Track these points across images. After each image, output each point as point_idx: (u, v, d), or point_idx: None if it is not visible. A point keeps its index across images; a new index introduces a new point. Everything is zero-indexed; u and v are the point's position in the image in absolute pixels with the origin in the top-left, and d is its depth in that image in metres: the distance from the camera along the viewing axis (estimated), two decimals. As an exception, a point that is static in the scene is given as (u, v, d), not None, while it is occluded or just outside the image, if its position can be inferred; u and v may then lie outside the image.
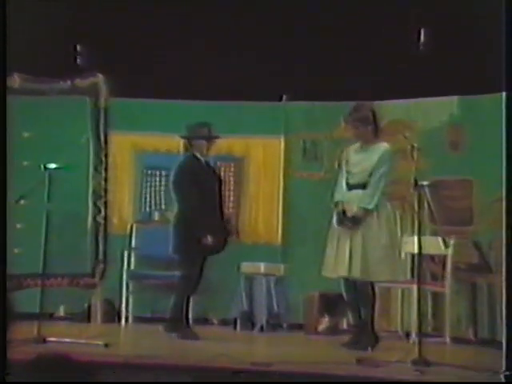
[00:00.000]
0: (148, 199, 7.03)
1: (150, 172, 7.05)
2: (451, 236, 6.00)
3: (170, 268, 6.08)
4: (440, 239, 5.92)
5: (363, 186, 5.36)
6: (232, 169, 6.99)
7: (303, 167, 6.88)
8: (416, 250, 5.07)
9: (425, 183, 5.18)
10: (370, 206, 5.30)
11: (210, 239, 5.61)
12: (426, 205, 5.95)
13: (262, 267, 6.51)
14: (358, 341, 5.31)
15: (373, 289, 5.37)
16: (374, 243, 5.27)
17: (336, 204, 5.45)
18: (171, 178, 5.95)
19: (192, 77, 6.54)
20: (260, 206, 6.93)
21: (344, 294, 5.47)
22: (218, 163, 6.95)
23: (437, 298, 6.10)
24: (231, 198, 6.96)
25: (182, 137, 5.93)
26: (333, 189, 5.55)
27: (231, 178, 6.98)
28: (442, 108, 6.33)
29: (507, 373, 4.25)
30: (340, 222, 5.38)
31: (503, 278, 4.45)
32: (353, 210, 5.33)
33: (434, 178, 5.71)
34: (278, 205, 6.89)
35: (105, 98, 6.78)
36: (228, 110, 6.82)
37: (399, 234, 5.47)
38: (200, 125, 5.85)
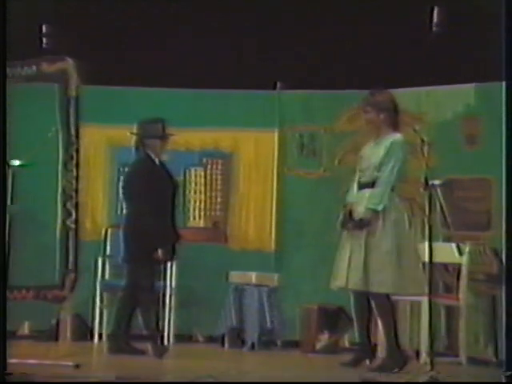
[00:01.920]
0: (123, 200, 6.94)
1: (126, 169, 6.97)
2: (467, 242, 5.94)
3: (126, 277, 6.01)
4: (454, 246, 5.86)
5: (372, 185, 5.29)
6: (219, 166, 6.94)
7: (300, 164, 6.82)
8: (427, 258, 4.99)
9: (437, 182, 5.11)
10: (379, 207, 5.20)
11: (161, 254, 5.62)
12: (438, 207, 5.90)
13: (253, 277, 6.45)
14: (366, 359, 5.24)
15: (392, 303, 5.28)
16: (377, 250, 5.17)
17: (345, 205, 5.38)
18: (122, 179, 6.02)
19: (174, 61, 6.50)
20: (251, 208, 6.86)
21: (352, 308, 5.38)
22: (204, 159, 6.92)
23: (451, 312, 6.05)
24: (218, 199, 6.91)
25: (132, 133, 5.90)
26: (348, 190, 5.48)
27: (219, 177, 6.94)
28: (456, 97, 6.29)
29: (507, 373, 4.27)
30: (343, 225, 5.30)
31: (503, 277, 4.39)
32: (360, 211, 5.25)
33: (448, 176, 5.68)
34: (272, 206, 6.83)
35: (75, 85, 6.73)
36: (215, 98, 6.78)
37: (413, 240, 5.31)
38: (152, 121, 5.84)
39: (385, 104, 5.31)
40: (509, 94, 4.72)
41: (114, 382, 4.55)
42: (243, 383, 4.62)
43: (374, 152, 5.34)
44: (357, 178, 5.41)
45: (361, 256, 5.18)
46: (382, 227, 5.18)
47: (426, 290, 5.23)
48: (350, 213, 5.30)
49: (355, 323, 5.42)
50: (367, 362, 5.27)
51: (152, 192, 5.66)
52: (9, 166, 5.23)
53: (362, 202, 5.28)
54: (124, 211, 5.91)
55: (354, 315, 5.39)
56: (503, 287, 4.61)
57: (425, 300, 5.29)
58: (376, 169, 5.28)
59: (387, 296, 5.24)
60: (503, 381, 4.29)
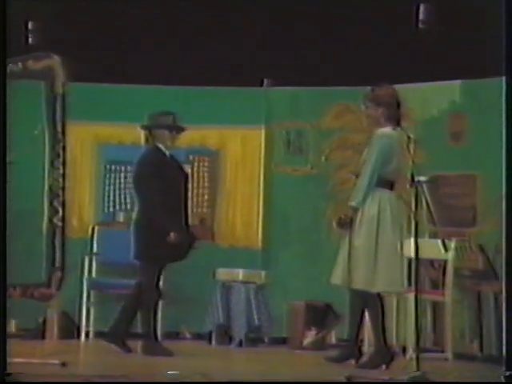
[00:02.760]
0: (111, 198, 6.96)
1: (113, 167, 6.99)
2: (452, 238, 5.98)
3: (137, 276, 6.01)
4: (440, 242, 5.89)
5: None
6: (206, 163, 6.95)
7: (287, 161, 6.85)
8: (413, 255, 5.02)
9: (422, 179, 5.12)
10: (353, 203, 5.19)
11: (173, 236, 5.52)
12: (424, 203, 5.93)
13: (240, 274, 6.47)
14: (351, 357, 5.26)
15: (381, 300, 5.29)
16: (355, 246, 5.19)
17: None
18: (132, 173, 5.89)
19: (161, 59, 6.49)
20: (238, 205, 6.88)
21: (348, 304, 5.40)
22: (191, 157, 6.92)
23: (437, 308, 6.09)
24: (205, 197, 6.92)
25: (143, 127, 5.84)
26: None
27: (205, 174, 6.95)
28: (442, 94, 6.33)
29: (507, 373, 4.30)
30: (336, 224, 5.33)
31: (503, 276, 4.41)
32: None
33: (433, 172, 5.69)
34: (259, 204, 6.85)
35: (62, 82, 6.69)
36: (202, 96, 6.79)
37: (393, 237, 5.26)
38: (163, 114, 5.78)
39: (384, 98, 5.27)
40: (509, 91, 4.73)
41: (114, 382, 4.55)
42: (244, 383, 4.61)
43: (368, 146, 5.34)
44: None
45: (345, 253, 5.21)
46: (360, 224, 5.18)
47: (405, 287, 5.28)
48: None
49: (348, 320, 5.44)
50: (352, 360, 5.28)
51: (164, 185, 5.57)
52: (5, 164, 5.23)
53: None
54: (136, 207, 5.77)
55: (348, 311, 5.40)
56: (503, 285, 4.63)
57: (411, 296, 5.32)
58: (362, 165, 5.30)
59: (375, 293, 5.25)
60: (503, 381, 4.31)
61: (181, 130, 5.81)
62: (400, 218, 5.28)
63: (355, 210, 5.18)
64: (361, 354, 5.34)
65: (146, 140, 5.81)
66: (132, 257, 5.73)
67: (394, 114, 5.29)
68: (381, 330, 5.26)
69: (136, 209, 5.79)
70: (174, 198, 5.65)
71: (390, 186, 5.28)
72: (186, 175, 5.97)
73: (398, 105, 5.31)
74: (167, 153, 5.76)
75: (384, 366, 5.17)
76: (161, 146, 5.74)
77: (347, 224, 5.18)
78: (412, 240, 5.14)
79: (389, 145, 5.24)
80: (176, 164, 5.83)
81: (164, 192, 5.58)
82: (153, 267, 5.65)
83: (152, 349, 5.57)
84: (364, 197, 5.17)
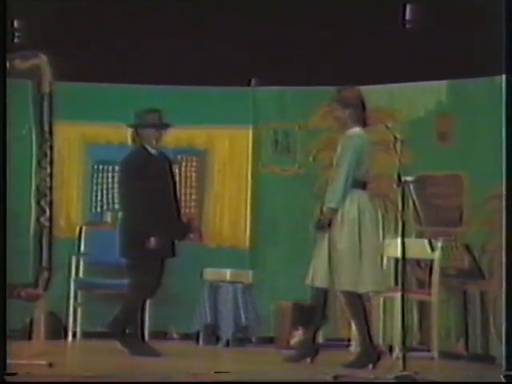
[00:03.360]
0: (99, 198, 6.96)
1: (101, 167, 6.99)
2: (439, 238, 6.02)
3: (124, 276, 6.02)
4: (426, 242, 5.93)
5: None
6: (194, 163, 6.96)
7: (274, 161, 6.87)
8: (399, 254, 5.06)
9: (409, 179, 5.17)
10: (332, 205, 5.21)
11: (153, 242, 5.54)
12: (410, 203, 5.97)
13: (227, 274, 6.49)
14: (308, 356, 5.30)
15: (361, 299, 5.32)
16: (335, 248, 5.21)
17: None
18: (117, 173, 5.93)
19: (148, 59, 6.50)
20: (226, 205, 6.90)
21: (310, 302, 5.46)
22: (179, 157, 6.93)
23: (423, 307, 6.13)
24: (193, 196, 6.93)
25: (129, 126, 5.84)
26: None
27: (193, 174, 6.96)
28: (428, 94, 6.35)
29: (507, 373, 4.35)
30: (314, 225, 5.36)
31: (503, 276, 4.46)
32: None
33: (420, 173, 5.75)
34: (246, 203, 6.86)
35: (49, 81, 6.68)
36: (189, 95, 6.80)
37: (374, 238, 5.30)
38: (148, 111, 5.78)
39: (351, 100, 5.32)
40: (509, 91, 4.76)
41: (113, 382, 4.55)
42: (243, 383, 4.63)
43: (339, 148, 5.37)
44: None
45: (325, 255, 5.24)
46: (340, 225, 5.21)
47: (390, 286, 5.31)
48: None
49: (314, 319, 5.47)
50: (308, 360, 5.32)
51: (146, 183, 5.58)
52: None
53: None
54: (119, 206, 5.84)
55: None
56: (503, 286, 4.67)
57: (398, 295, 5.35)
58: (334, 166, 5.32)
59: (357, 293, 5.28)
60: (503, 381, 4.35)
61: (166, 127, 5.81)
62: (377, 218, 5.36)
63: (334, 211, 5.20)
64: (317, 352, 5.35)
65: (133, 139, 5.81)
66: (118, 255, 5.73)
67: (361, 115, 5.33)
68: (366, 329, 5.29)
69: (119, 208, 5.85)
70: (160, 199, 5.65)
71: (363, 186, 5.33)
72: (173, 176, 5.98)
73: (364, 106, 5.35)
74: (153, 152, 5.76)
75: (371, 366, 5.20)
76: (147, 145, 5.74)
77: (326, 225, 5.21)
78: (398, 240, 5.19)
79: (360, 145, 5.29)
80: (162, 163, 5.81)
81: (147, 193, 5.58)
82: (139, 266, 5.63)
83: (139, 349, 5.58)
84: (341, 198, 5.20)
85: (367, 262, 5.22)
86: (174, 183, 5.90)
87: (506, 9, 4.79)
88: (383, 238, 6.30)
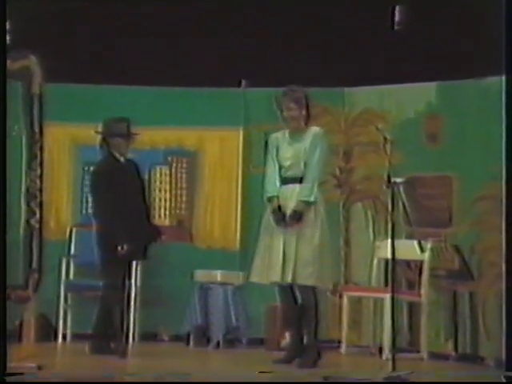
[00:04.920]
0: (89, 199, 6.96)
1: (91, 168, 6.99)
2: (428, 239, 6.06)
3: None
4: (416, 243, 5.97)
5: (300, 180, 5.40)
6: (184, 164, 6.98)
7: (265, 163, 6.90)
8: (389, 255, 5.10)
9: (399, 180, 5.21)
10: (311, 199, 5.33)
11: (124, 249, 5.66)
12: (400, 204, 6.01)
13: (218, 275, 6.52)
14: (298, 356, 5.34)
15: (315, 295, 5.38)
16: (307, 243, 5.29)
17: (269, 199, 5.46)
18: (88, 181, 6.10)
19: (139, 59, 6.52)
20: (216, 207, 6.92)
21: (280, 304, 5.53)
22: (169, 158, 6.95)
23: (413, 308, 6.17)
24: (183, 198, 6.95)
25: (96, 132, 5.98)
26: (263, 182, 5.57)
27: (183, 175, 6.97)
28: (418, 96, 6.38)
29: (507, 373, 4.42)
30: (278, 220, 5.37)
31: (503, 276, 4.49)
32: (290, 205, 5.35)
33: (410, 174, 5.78)
34: (237, 205, 6.88)
35: (39, 82, 6.68)
36: (179, 96, 6.82)
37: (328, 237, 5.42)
38: (117, 120, 5.90)
39: (303, 100, 5.50)
40: (508, 91, 4.81)
41: (112, 382, 4.57)
42: (242, 383, 4.66)
43: (297, 148, 5.45)
44: (277, 172, 5.47)
45: (292, 249, 5.29)
46: (314, 220, 5.31)
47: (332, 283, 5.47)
48: (280, 207, 5.38)
49: (287, 319, 5.52)
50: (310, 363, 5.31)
51: (115, 191, 5.71)
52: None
53: (291, 196, 5.37)
54: (91, 210, 5.99)
55: (283, 310, 5.52)
56: (503, 287, 4.72)
57: (387, 297, 5.39)
58: (303, 164, 5.40)
59: (313, 290, 5.34)
60: (503, 381, 4.39)
61: (134, 136, 5.92)
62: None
63: (308, 205, 5.31)
64: (320, 356, 5.34)
65: (101, 145, 5.94)
66: (96, 258, 5.86)
67: (310, 115, 5.55)
68: (314, 328, 5.34)
69: (91, 212, 6.03)
70: (128, 205, 5.75)
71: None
72: (142, 181, 6.07)
73: (308, 105, 5.54)
74: (122, 159, 5.87)
75: (313, 365, 5.22)
76: (115, 152, 5.86)
77: (300, 218, 5.30)
78: (388, 241, 5.23)
79: (328, 144, 5.53)
80: (130, 170, 5.92)
81: (116, 200, 5.71)
82: (108, 268, 5.74)
83: (124, 351, 5.60)
84: (315, 193, 5.35)
85: (331, 257, 5.41)
86: (143, 188, 6.02)
87: (506, 10, 4.83)
88: (373, 239, 6.36)
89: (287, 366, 5.31)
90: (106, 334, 5.72)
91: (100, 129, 5.95)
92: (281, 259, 5.31)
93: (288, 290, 5.43)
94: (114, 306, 5.71)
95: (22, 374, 4.74)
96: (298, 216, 5.31)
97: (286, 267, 5.29)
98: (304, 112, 5.49)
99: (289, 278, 5.30)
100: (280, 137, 5.58)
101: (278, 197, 5.41)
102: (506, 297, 4.67)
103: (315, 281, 5.30)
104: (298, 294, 5.39)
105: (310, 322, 5.37)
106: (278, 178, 5.47)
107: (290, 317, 5.52)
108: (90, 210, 6.95)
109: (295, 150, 5.45)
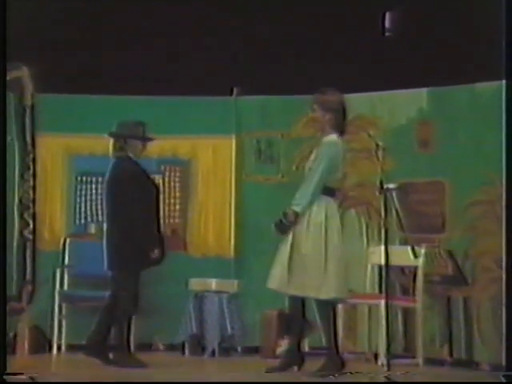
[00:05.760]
0: (83, 209, 6.97)
1: (84, 178, 7.00)
2: (422, 245, 6.06)
3: (109, 287, 6.03)
4: (409, 248, 5.97)
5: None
6: (177, 173, 6.98)
7: (257, 170, 6.89)
8: (383, 261, 5.12)
9: (392, 186, 5.24)
10: (298, 209, 5.16)
11: (157, 253, 5.60)
12: (393, 210, 6.02)
13: (213, 283, 6.53)
14: (294, 365, 5.30)
15: (331, 305, 5.30)
16: (301, 252, 5.16)
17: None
18: (106, 183, 5.85)
19: (131, 69, 6.53)
20: (210, 215, 6.92)
21: (288, 309, 5.41)
22: (162, 167, 6.96)
23: (408, 314, 6.17)
24: (177, 206, 6.96)
25: (116, 135, 5.79)
26: None
27: (177, 184, 6.98)
28: (409, 102, 6.39)
29: (507, 373, 4.44)
30: (274, 227, 5.30)
31: (504, 280, 4.50)
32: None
33: (402, 180, 5.79)
34: (230, 213, 6.89)
35: (31, 93, 6.70)
36: (172, 105, 6.83)
37: (339, 244, 5.23)
38: (136, 124, 5.79)
39: (332, 105, 5.26)
40: (508, 94, 4.83)
41: (112, 382, 4.56)
42: (242, 383, 4.63)
43: (315, 153, 5.34)
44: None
45: (285, 258, 5.20)
46: (306, 229, 5.17)
47: (346, 294, 5.28)
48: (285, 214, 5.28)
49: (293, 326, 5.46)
50: (295, 368, 5.30)
51: (141, 195, 5.59)
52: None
53: None
54: (107, 218, 5.75)
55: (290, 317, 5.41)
56: (503, 289, 4.74)
57: (382, 303, 5.40)
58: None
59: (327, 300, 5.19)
60: (503, 381, 4.41)
61: (151, 140, 5.85)
62: (342, 226, 5.29)
63: (297, 215, 5.15)
64: (303, 360, 5.33)
65: (116, 148, 5.76)
66: (106, 267, 5.72)
67: (340, 121, 5.28)
68: (334, 336, 5.22)
69: (109, 219, 5.75)
70: (150, 210, 5.68)
71: (333, 193, 5.28)
72: (157, 186, 6.03)
73: (344, 113, 5.30)
74: (139, 163, 5.78)
75: (334, 375, 5.15)
76: (132, 156, 5.75)
77: (288, 228, 5.18)
78: (382, 247, 5.25)
79: (336, 153, 5.25)
80: (148, 175, 5.86)
81: (141, 204, 5.61)
82: (129, 277, 5.64)
83: (125, 360, 5.59)
84: (309, 203, 5.16)
85: (332, 268, 5.15)
86: (158, 197, 5.92)
87: (506, 13, 4.84)
88: (367, 245, 6.37)
89: (282, 374, 5.29)
90: (105, 342, 5.63)
91: (116, 131, 5.75)
92: (277, 268, 5.24)
93: (294, 299, 5.30)
94: (124, 315, 5.62)
95: (22, 373, 4.74)
96: (283, 225, 5.17)
97: (280, 276, 5.23)
98: (328, 117, 5.24)
99: (284, 288, 5.21)
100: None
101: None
102: (506, 298, 4.67)
103: (315, 292, 5.14)
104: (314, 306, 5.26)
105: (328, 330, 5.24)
106: None
107: (293, 325, 5.41)
108: (83, 220, 6.98)
109: (314, 156, 5.32)
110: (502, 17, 4.83)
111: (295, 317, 5.37)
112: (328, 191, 5.24)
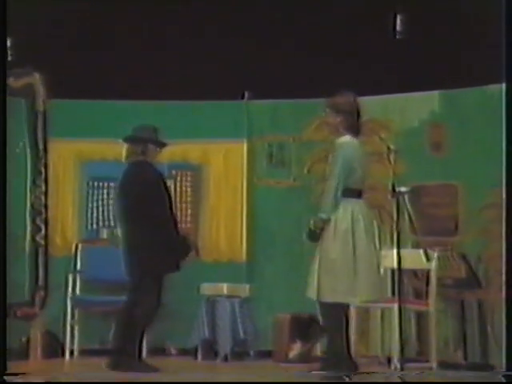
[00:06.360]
0: (95, 215, 6.99)
1: (96, 183, 7.02)
2: (434, 248, 6.02)
3: (121, 292, 6.01)
4: (422, 252, 5.95)
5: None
6: (189, 178, 6.99)
7: (269, 174, 6.90)
8: (396, 265, 5.09)
9: (404, 189, 5.21)
10: (324, 215, 5.10)
11: (196, 253, 5.67)
12: (405, 213, 6.00)
13: (224, 288, 6.52)
14: (332, 369, 5.25)
15: (346, 311, 5.28)
16: (329, 258, 5.10)
17: None
18: (125, 188, 5.69)
19: (142, 74, 6.55)
20: (221, 219, 6.93)
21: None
22: (173, 171, 6.96)
23: (421, 317, 6.14)
24: (189, 211, 6.96)
25: (136, 139, 5.66)
26: None
27: (188, 189, 6.98)
28: (421, 104, 6.39)
29: (507, 373, 4.41)
30: (305, 236, 5.26)
31: (503, 279, 4.46)
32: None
33: (414, 183, 5.79)
34: (242, 217, 6.89)
35: (42, 99, 6.72)
36: (183, 110, 6.85)
37: (368, 248, 5.17)
38: (154, 128, 5.71)
39: (344, 107, 5.20)
40: (509, 97, 4.82)
41: (113, 382, 4.57)
42: (244, 383, 4.62)
43: (330, 157, 5.29)
44: None
45: (315, 266, 5.16)
46: (333, 235, 5.10)
47: (381, 296, 5.25)
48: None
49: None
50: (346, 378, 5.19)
51: (166, 200, 5.56)
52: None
53: None
54: (126, 223, 5.61)
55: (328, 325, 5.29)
56: (503, 291, 4.71)
57: (395, 306, 5.38)
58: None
59: (333, 305, 5.13)
60: (503, 381, 4.38)
61: (167, 145, 5.79)
62: (372, 227, 5.22)
63: (324, 221, 5.09)
64: (356, 368, 5.19)
65: (136, 153, 5.63)
66: (125, 274, 5.59)
67: (354, 123, 5.19)
68: (346, 339, 5.15)
69: (129, 224, 5.59)
70: (172, 214, 5.64)
71: (358, 194, 5.20)
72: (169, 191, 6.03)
73: (358, 114, 5.22)
74: (158, 168, 5.73)
75: (347, 378, 5.10)
76: (149, 160, 5.65)
77: (318, 235, 5.12)
78: (394, 250, 5.22)
79: (351, 154, 5.16)
80: (165, 181, 5.78)
81: (167, 208, 5.57)
82: (153, 283, 5.58)
83: (134, 366, 5.55)
84: (332, 208, 5.09)
85: (362, 272, 5.10)
86: (171, 203, 5.84)
87: (507, 18, 4.84)
88: (379, 248, 6.33)
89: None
90: (126, 350, 5.50)
91: (136, 135, 5.64)
92: (310, 275, 5.18)
93: (321, 305, 5.20)
94: (146, 321, 5.57)
95: (23, 373, 4.74)
96: (312, 233, 5.11)
97: (310, 283, 5.15)
98: (340, 119, 5.15)
99: (311, 294, 5.13)
100: None
101: None
102: (505, 299, 4.65)
103: (344, 298, 5.07)
104: (318, 308, 5.21)
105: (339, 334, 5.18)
106: None
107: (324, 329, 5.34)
108: (95, 226, 6.99)
109: (330, 159, 5.23)
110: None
111: (332, 324, 5.19)
112: (350, 193, 5.14)
